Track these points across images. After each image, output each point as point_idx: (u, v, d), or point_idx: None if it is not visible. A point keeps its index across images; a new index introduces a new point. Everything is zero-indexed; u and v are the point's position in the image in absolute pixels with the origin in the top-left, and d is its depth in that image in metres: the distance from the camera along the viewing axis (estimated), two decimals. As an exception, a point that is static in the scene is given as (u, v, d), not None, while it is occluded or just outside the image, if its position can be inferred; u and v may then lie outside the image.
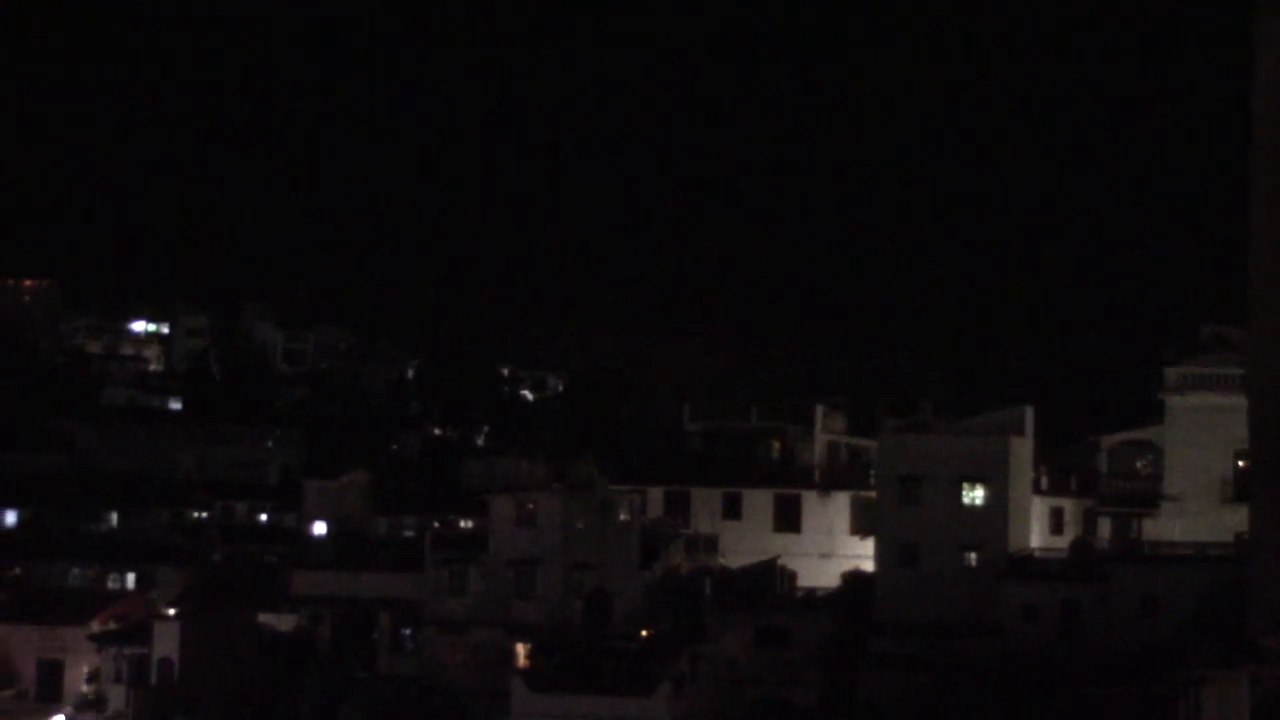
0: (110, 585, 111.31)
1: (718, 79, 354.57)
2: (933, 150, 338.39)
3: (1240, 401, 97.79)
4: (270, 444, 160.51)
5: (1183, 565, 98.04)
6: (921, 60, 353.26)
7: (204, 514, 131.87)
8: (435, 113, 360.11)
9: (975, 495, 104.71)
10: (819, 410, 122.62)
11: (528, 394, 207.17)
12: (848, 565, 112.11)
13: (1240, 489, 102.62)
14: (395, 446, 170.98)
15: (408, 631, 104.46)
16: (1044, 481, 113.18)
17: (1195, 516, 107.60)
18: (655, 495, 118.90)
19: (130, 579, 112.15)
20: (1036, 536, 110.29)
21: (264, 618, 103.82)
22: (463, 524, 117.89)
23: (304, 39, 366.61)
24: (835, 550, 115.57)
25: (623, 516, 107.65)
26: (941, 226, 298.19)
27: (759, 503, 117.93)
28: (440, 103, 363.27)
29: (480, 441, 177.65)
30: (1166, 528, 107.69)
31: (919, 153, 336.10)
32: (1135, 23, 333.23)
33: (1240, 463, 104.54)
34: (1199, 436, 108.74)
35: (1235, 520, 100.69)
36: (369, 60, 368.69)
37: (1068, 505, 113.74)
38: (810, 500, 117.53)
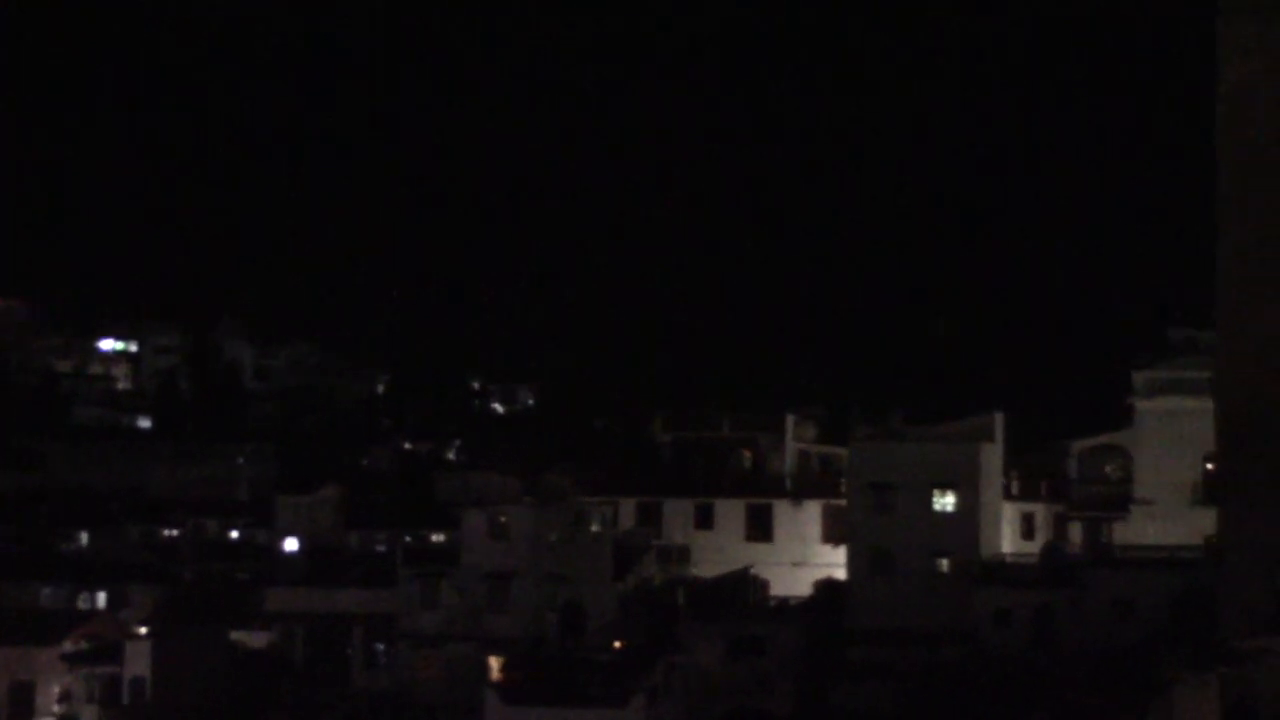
0: (81, 605, 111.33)
1: (682, 80, 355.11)
2: (901, 157, 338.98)
3: (1209, 405, 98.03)
4: (241, 460, 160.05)
5: (1154, 569, 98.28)
6: (888, 67, 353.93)
7: (175, 532, 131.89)
8: (403, 126, 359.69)
9: (946, 502, 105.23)
10: (790, 420, 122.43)
11: (498, 407, 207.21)
12: (820, 574, 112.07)
13: (1210, 492, 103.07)
14: (366, 461, 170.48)
15: (381, 647, 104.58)
16: (1015, 487, 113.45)
17: (1166, 520, 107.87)
18: (627, 507, 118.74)
19: (101, 598, 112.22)
20: (1008, 542, 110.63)
21: (237, 635, 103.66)
22: (435, 538, 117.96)
23: (271, 53, 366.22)
24: (808, 559, 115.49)
25: (595, 528, 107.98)
26: (911, 233, 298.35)
27: (731, 513, 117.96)
28: (409, 116, 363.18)
29: (452, 455, 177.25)
30: (1138, 531, 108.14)
31: (888, 160, 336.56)
32: (1098, 24, 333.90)
33: (1209, 466, 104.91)
34: (1168, 440, 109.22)
35: (1205, 523, 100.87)
36: (338, 73, 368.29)
37: (1039, 510, 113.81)
38: (782, 509, 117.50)
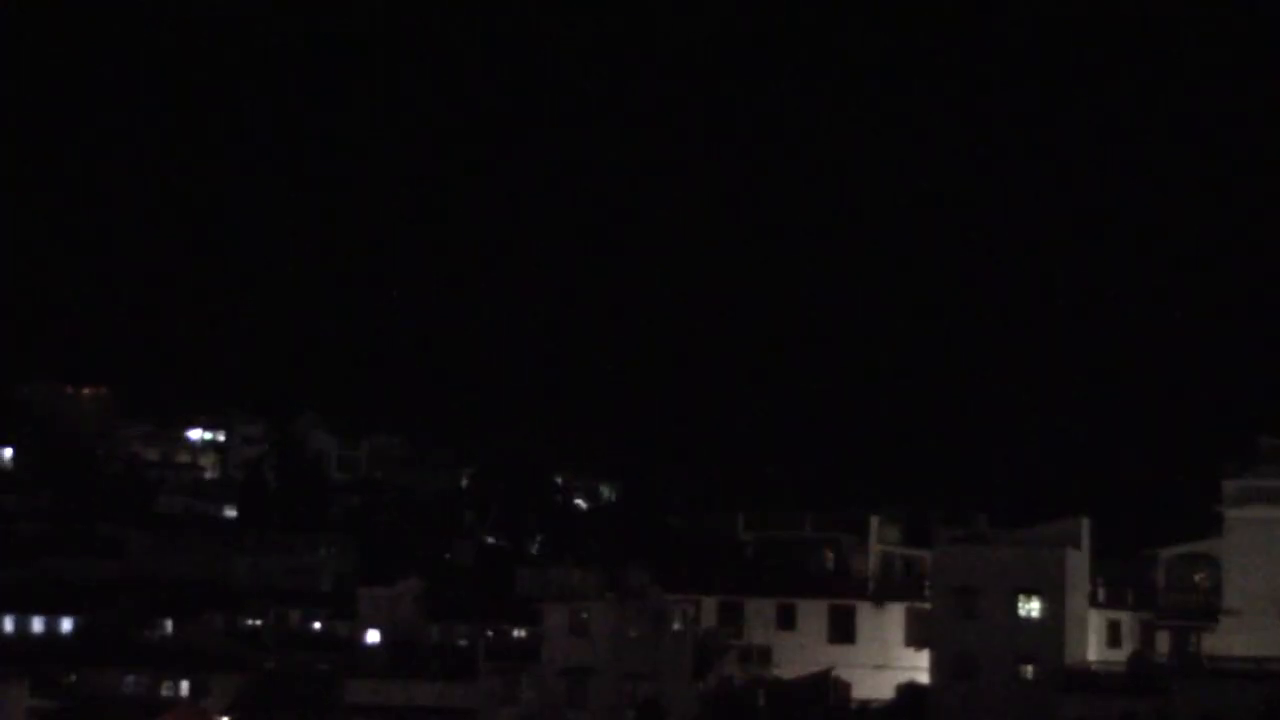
0: (164, 693, 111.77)
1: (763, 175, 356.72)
2: (993, 267, 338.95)
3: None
4: (324, 551, 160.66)
5: (1243, 681, 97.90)
6: (963, 142, 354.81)
7: (258, 621, 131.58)
8: (482, 225, 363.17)
9: (1031, 607, 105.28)
10: (874, 521, 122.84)
11: (581, 502, 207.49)
12: (903, 677, 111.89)
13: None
14: (448, 554, 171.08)
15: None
16: (1101, 594, 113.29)
17: (1255, 631, 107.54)
18: (709, 605, 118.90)
19: (184, 686, 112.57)
20: (1093, 650, 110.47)
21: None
22: (516, 633, 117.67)
23: (350, 138, 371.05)
24: (890, 662, 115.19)
25: (676, 626, 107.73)
26: (1000, 339, 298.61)
27: (813, 613, 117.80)
28: (489, 216, 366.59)
29: (533, 550, 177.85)
30: (1226, 642, 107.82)
31: (977, 270, 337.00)
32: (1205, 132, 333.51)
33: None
34: (1258, 549, 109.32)
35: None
36: (422, 169, 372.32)
37: (1125, 618, 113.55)
38: (865, 611, 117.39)
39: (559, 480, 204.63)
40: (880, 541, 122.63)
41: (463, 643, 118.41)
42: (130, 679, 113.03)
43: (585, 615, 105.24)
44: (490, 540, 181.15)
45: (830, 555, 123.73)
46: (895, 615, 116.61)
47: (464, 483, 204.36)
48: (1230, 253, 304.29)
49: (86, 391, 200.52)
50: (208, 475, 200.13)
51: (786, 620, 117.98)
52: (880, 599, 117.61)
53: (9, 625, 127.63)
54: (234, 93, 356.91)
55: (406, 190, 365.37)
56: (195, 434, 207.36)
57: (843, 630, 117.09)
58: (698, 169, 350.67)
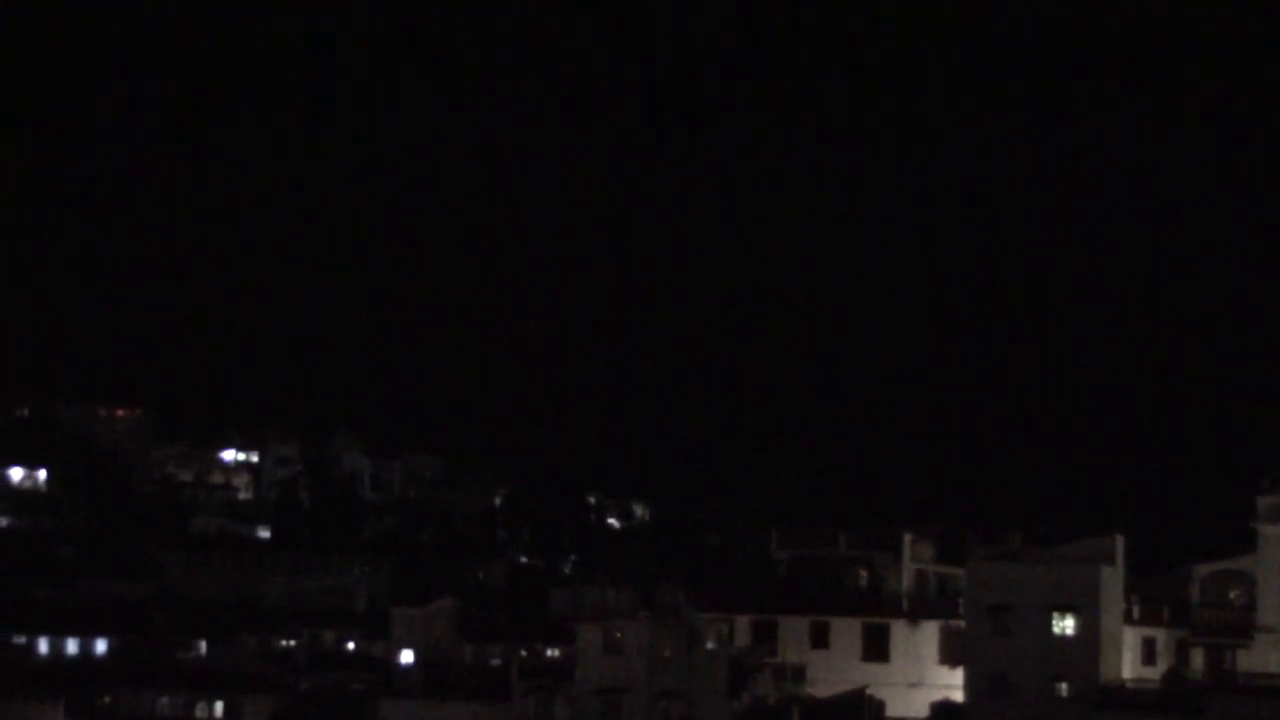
0: (198, 714, 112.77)
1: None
2: (1025, 283, 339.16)
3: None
4: (357, 572, 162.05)
5: (1278, 698, 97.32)
6: (1004, 164, 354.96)
7: (291, 642, 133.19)
8: (516, 246, 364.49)
9: (1066, 625, 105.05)
10: (907, 538, 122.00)
11: (614, 522, 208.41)
12: (937, 695, 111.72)
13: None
14: (482, 574, 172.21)
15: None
16: (1135, 611, 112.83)
17: None
18: (742, 624, 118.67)
19: (218, 707, 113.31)
20: (1128, 667, 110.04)
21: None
22: (549, 652, 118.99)
23: (383, 163, 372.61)
24: (924, 680, 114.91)
25: (710, 645, 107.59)
26: (1034, 356, 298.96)
27: (847, 632, 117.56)
28: (519, 234, 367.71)
29: (567, 569, 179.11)
30: (1261, 659, 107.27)
31: (1012, 287, 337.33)
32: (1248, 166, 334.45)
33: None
34: None
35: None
36: (453, 191, 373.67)
37: (1160, 635, 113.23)
38: (899, 629, 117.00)
39: (592, 500, 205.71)
40: (914, 559, 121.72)
41: (496, 662, 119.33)
42: (164, 700, 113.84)
43: (619, 634, 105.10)
44: (524, 560, 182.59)
45: (864, 573, 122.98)
46: (929, 633, 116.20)
47: (498, 502, 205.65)
48: (1270, 273, 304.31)
49: (121, 413, 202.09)
50: (242, 496, 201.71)
51: (820, 638, 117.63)
52: (914, 617, 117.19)
53: (44, 646, 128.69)
54: (272, 113, 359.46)
55: (443, 216, 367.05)
56: (229, 455, 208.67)
57: (877, 648, 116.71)
58: (755, 187, 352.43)
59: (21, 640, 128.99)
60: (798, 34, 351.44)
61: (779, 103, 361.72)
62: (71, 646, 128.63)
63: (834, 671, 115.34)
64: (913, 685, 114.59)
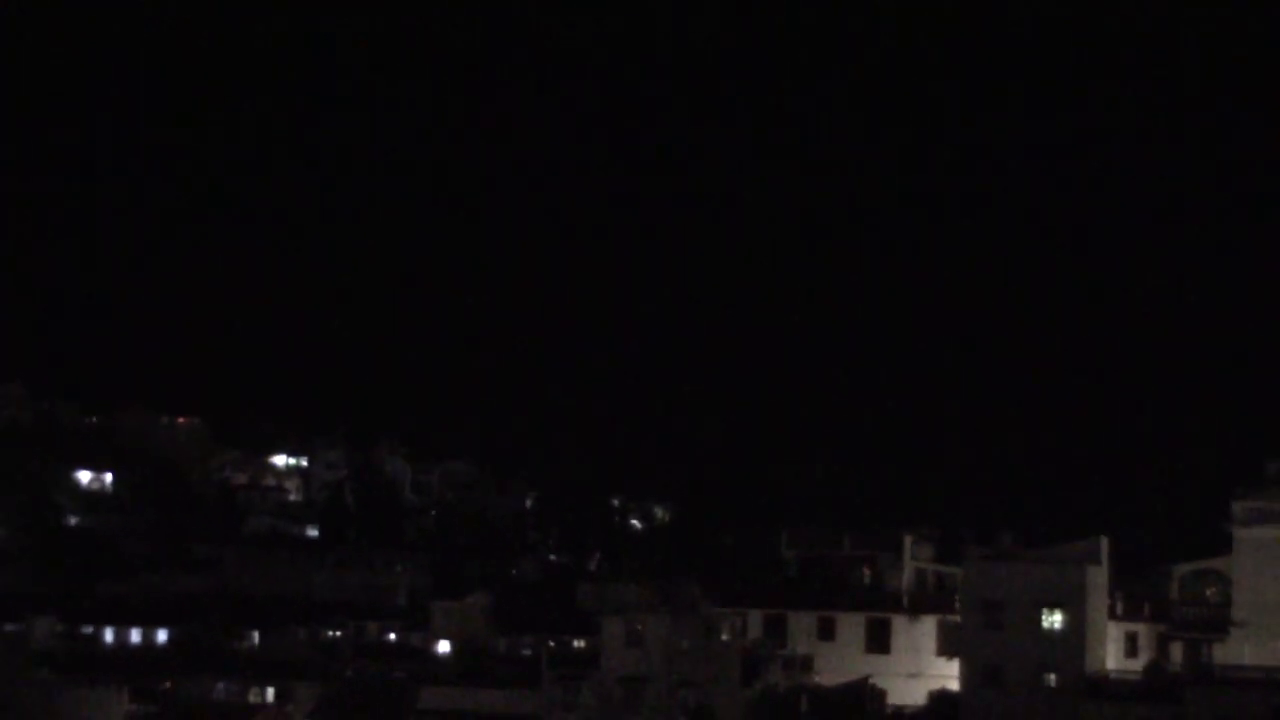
0: (251, 699, 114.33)
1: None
2: (1011, 290, 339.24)
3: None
4: (399, 569, 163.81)
5: (1252, 688, 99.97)
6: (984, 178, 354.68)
7: (338, 633, 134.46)
8: (546, 254, 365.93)
9: (1054, 620, 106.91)
10: (907, 539, 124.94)
11: (636, 523, 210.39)
12: (935, 685, 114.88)
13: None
14: (515, 571, 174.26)
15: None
16: (1119, 607, 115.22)
17: (1263, 642, 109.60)
18: (755, 617, 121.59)
19: (270, 693, 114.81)
20: (1112, 659, 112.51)
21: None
22: (576, 643, 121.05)
23: (426, 183, 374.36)
24: (923, 671, 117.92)
25: (724, 637, 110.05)
26: (1023, 366, 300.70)
27: (851, 625, 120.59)
28: (552, 246, 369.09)
29: (593, 567, 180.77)
30: (1235, 652, 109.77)
31: (999, 294, 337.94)
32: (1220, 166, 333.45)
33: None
34: (1265, 566, 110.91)
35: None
36: (484, 198, 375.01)
37: (1141, 630, 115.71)
38: (900, 624, 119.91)
39: (616, 502, 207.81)
40: (914, 558, 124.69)
41: (527, 652, 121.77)
42: (221, 686, 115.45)
43: (640, 627, 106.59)
44: (553, 558, 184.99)
45: (868, 571, 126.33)
46: (928, 627, 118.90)
47: (529, 505, 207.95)
48: (1245, 279, 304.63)
49: (181, 421, 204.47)
50: (292, 498, 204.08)
51: (827, 632, 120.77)
52: (914, 612, 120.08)
53: (109, 636, 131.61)
54: (321, 122, 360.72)
55: (475, 233, 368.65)
56: (281, 460, 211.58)
57: (879, 641, 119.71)
58: (762, 190, 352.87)
59: (89, 630, 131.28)
60: (798, 34, 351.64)
61: (779, 102, 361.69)
62: (135, 636, 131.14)
63: (839, 662, 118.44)
64: (912, 675, 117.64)
